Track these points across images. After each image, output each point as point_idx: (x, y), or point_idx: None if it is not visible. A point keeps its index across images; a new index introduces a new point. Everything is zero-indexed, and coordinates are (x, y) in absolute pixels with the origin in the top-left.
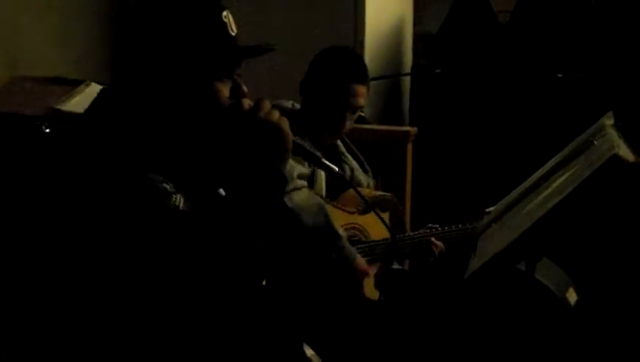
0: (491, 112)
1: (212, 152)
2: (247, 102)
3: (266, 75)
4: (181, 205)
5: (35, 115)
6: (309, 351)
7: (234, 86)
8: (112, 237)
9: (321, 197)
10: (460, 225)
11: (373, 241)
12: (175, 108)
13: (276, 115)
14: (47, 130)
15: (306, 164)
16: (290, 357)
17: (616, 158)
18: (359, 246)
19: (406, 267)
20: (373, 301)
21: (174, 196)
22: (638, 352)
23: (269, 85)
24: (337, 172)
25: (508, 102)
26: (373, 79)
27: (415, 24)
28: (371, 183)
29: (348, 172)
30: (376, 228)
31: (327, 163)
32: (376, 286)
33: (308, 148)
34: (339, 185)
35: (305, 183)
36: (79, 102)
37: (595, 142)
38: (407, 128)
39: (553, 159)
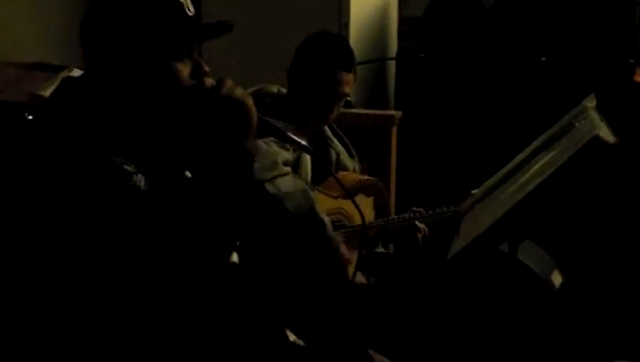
0: (476, 96)
1: (176, 133)
2: (209, 81)
3: (251, 57)
4: (142, 185)
5: (17, 101)
6: (292, 336)
7: (195, 65)
8: (74, 219)
9: (306, 182)
10: (444, 208)
11: (353, 227)
12: (135, 89)
13: (239, 91)
14: (30, 117)
15: (291, 150)
16: (273, 342)
17: (597, 140)
18: (343, 231)
19: (390, 251)
20: (354, 283)
21: (135, 176)
22: (623, 333)
23: (254, 68)
24: (319, 156)
25: (492, 85)
26: (358, 63)
27: (400, 7)
28: (357, 167)
29: (334, 156)
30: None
31: (293, 136)
32: (357, 269)
33: (273, 123)
34: (324, 171)
35: (289, 169)
36: None
37: (577, 124)
38: (392, 112)
39: (536, 141)
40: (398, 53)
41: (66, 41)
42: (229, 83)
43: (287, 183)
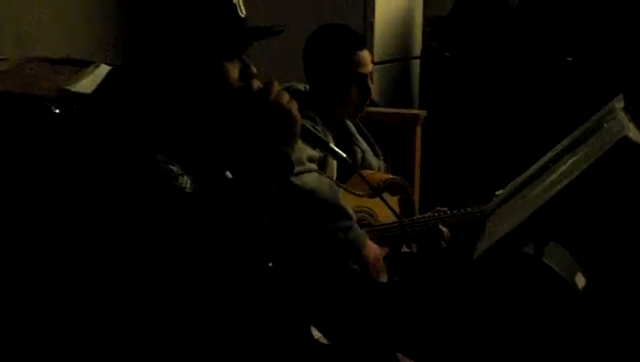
0: (501, 95)
1: (220, 134)
2: (256, 84)
3: (278, 58)
4: (188, 187)
5: (44, 95)
6: (316, 334)
7: (243, 67)
8: (119, 219)
9: (332, 180)
10: (468, 209)
11: (382, 225)
12: (184, 88)
13: (286, 97)
14: (57, 111)
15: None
16: (298, 339)
17: (626, 141)
18: (369, 230)
19: (414, 250)
20: (382, 283)
21: (181, 178)
22: None
23: (281, 69)
24: (344, 158)
25: (517, 85)
26: (384, 62)
27: (425, 7)
28: (382, 166)
29: (359, 154)
30: (385, 211)
31: (335, 148)
32: (389, 270)
33: (316, 133)
34: (349, 169)
35: (315, 166)
36: (88, 83)
37: (605, 124)
38: (417, 111)
39: (563, 142)
40: (422, 52)
41: (92, 37)
42: (276, 87)
43: (312, 179)
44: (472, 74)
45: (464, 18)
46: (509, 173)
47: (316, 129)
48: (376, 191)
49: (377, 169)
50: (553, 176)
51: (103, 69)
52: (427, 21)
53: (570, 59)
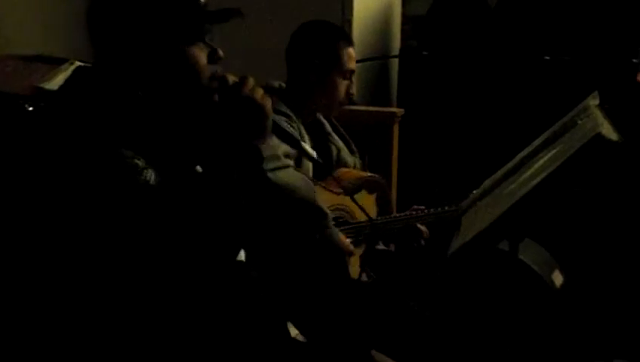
0: (479, 94)
1: (189, 127)
2: (231, 78)
3: (252, 53)
4: (152, 180)
5: (18, 93)
6: (293, 331)
7: (210, 51)
8: (81, 211)
9: (308, 177)
10: (445, 207)
11: (359, 223)
12: (149, 79)
13: (260, 92)
14: (30, 109)
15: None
16: (274, 336)
17: (600, 137)
18: (345, 227)
19: (391, 248)
20: (357, 281)
21: (145, 171)
22: (623, 333)
23: (257, 64)
24: (315, 158)
25: (495, 84)
26: (362, 61)
27: (404, 5)
28: (358, 164)
29: (334, 152)
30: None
31: (307, 148)
32: (362, 266)
33: (289, 130)
34: (326, 169)
35: (291, 162)
36: (63, 80)
37: (579, 121)
38: (394, 109)
39: (538, 139)
40: (401, 50)
41: (70, 33)
42: (250, 83)
43: (288, 175)
44: (450, 73)
45: (443, 17)
46: (485, 172)
47: (291, 126)
48: (347, 191)
49: (353, 166)
50: (528, 173)
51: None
52: (406, 19)
53: (547, 57)
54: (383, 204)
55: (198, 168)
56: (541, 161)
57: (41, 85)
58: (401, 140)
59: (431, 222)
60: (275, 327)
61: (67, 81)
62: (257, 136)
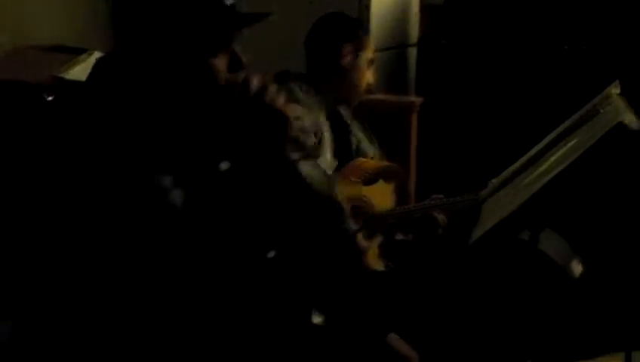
0: (497, 83)
1: (211, 127)
2: (254, 84)
3: (269, 41)
4: (179, 203)
5: (37, 83)
6: (317, 319)
7: (232, 57)
8: (107, 217)
9: (326, 168)
10: (464, 196)
11: (378, 213)
12: (169, 82)
13: (281, 100)
14: (50, 98)
15: (312, 134)
16: (299, 324)
17: (622, 126)
18: (364, 218)
19: (409, 238)
20: (378, 271)
21: (171, 192)
22: None
23: (274, 53)
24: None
25: (514, 73)
26: (380, 50)
27: None
28: (377, 154)
29: (354, 143)
30: (380, 198)
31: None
32: (381, 257)
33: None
34: (344, 155)
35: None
36: (82, 70)
37: (601, 110)
38: (413, 98)
39: (559, 128)
40: (419, 39)
41: (89, 25)
42: (272, 90)
43: (307, 167)
44: (468, 62)
45: (461, 5)
46: (504, 161)
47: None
48: (364, 181)
49: (372, 157)
50: (549, 162)
51: (97, 57)
52: (424, 9)
53: (566, 47)
54: (401, 193)
55: (223, 165)
56: (562, 151)
57: (61, 75)
58: (420, 129)
59: (450, 210)
60: (300, 315)
61: (92, 73)
62: (279, 143)
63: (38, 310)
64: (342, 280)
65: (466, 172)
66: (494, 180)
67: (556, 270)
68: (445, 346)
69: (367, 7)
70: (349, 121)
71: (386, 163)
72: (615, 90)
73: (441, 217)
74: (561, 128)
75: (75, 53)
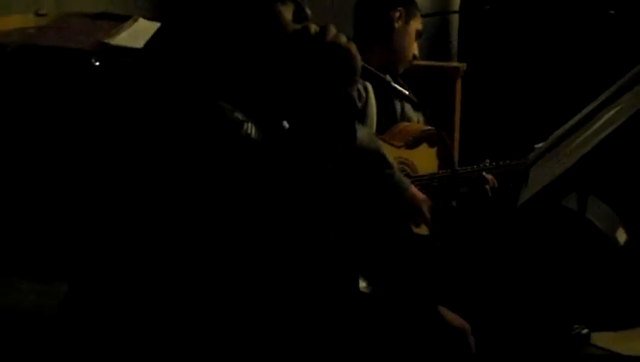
0: (541, 49)
1: (278, 80)
2: (313, 27)
3: (319, 6)
4: (253, 133)
5: (84, 49)
6: (361, 283)
7: (297, 9)
8: (185, 167)
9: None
10: (508, 161)
11: (423, 176)
12: (237, 33)
13: (344, 38)
14: (97, 64)
15: (357, 98)
16: (346, 288)
17: None
18: (410, 180)
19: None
20: (423, 235)
21: (246, 124)
22: None
23: (322, 17)
24: (408, 95)
25: (558, 38)
26: (423, 16)
27: None
28: (421, 119)
29: (399, 108)
30: (424, 162)
31: (397, 86)
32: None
33: (375, 71)
34: (389, 119)
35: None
36: (127, 36)
37: None
38: (457, 64)
39: (604, 93)
40: (461, 5)
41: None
42: (333, 29)
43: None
44: (511, 27)
45: None
46: (549, 126)
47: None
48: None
49: (417, 122)
50: (595, 127)
51: (142, 23)
52: None
53: (612, 12)
54: (444, 158)
55: (285, 124)
56: (608, 115)
57: (106, 41)
58: (464, 95)
59: (497, 174)
60: (347, 279)
61: (155, 35)
62: (348, 81)
63: (95, 271)
64: (388, 241)
65: (510, 137)
66: (540, 145)
67: (602, 238)
68: (493, 314)
69: None
70: (393, 86)
71: (429, 127)
72: None
73: (490, 177)
74: (607, 93)
75: (120, 20)
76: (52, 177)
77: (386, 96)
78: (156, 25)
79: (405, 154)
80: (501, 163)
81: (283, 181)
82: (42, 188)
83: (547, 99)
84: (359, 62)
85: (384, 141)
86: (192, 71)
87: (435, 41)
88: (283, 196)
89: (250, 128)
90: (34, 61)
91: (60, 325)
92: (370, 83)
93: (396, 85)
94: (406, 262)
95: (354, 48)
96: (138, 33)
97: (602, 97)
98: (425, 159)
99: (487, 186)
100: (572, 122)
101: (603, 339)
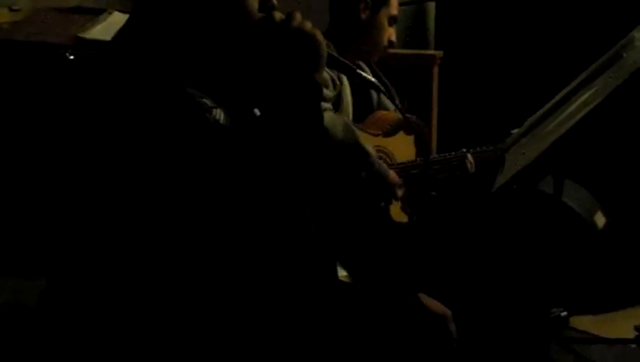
0: (517, 34)
1: (245, 68)
2: (278, 15)
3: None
4: (221, 119)
5: (58, 43)
6: (341, 273)
7: None
8: (155, 153)
9: (347, 120)
10: (485, 147)
11: (401, 163)
12: (205, 22)
13: (309, 25)
14: (72, 57)
15: (331, 86)
16: (324, 278)
17: None
18: (391, 167)
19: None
20: (401, 223)
21: (214, 110)
22: None
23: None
24: (373, 82)
25: (535, 23)
26: (401, 4)
27: None
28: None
29: (375, 96)
30: (401, 150)
31: (363, 73)
32: (405, 209)
33: (342, 59)
34: (365, 109)
35: (329, 105)
36: (102, 30)
37: (624, 54)
38: (434, 52)
39: (581, 74)
40: None
41: None
42: (298, 16)
43: (328, 118)
44: (488, 13)
45: None
46: (525, 113)
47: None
48: (384, 132)
49: (394, 110)
50: (571, 109)
51: (116, 16)
52: None
53: None
54: (421, 146)
55: (256, 111)
56: (584, 97)
57: (81, 35)
58: (441, 82)
59: (476, 160)
60: (325, 268)
61: (124, 27)
62: (313, 67)
63: (73, 268)
64: (368, 230)
65: (487, 124)
66: (514, 131)
67: (580, 221)
68: (473, 300)
69: None
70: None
71: (406, 115)
72: (638, 33)
73: (471, 160)
74: (583, 75)
75: (95, 13)
76: (25, 170)
77: (361, 85)
78: None
79: (382, 142)
80: (478, 149)
81: (253, 166)
82: (16, 182)
83: (524, 85)
84: (324, 48)
85: (361, 130)
86: (161, 59)
87: (412, 29)
88: (254, 181)
89: (219, 114)
90: (9, 56)
91: (38, 321)
92: (338, 70)
93: (361, 72)
94: (386, 250)
95: (319, 35)
96: (113, 26)
97: (576, 81)
98: (402, 147)
99: (469, 165)
100: (547, 106)
101: (583, 322)
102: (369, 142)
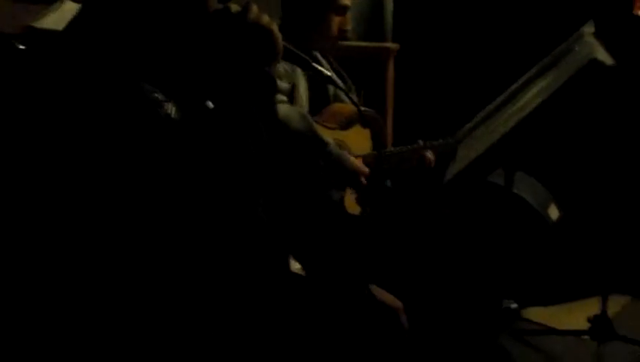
0: (474, 28)
1: (200, 59)
2: (234, 7)
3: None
4: (173, 113)
5: (9, 33)
6: (295, 266)
7: None
8: (106, 147)
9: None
10: (440, 140)
11: (358, 156)
12: (160, 13)
13: (265, 18)
14: (22, 47)
15: (285, 79)
16: (277, 271)
17: (595, 62)
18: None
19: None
20: (355, 215)
21: (166, 105)
22: (619, 267)
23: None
24: (328, 76)
25: (490, 16)
26: None
27: None
28: (354, 100)
29: (331, 90)
30: (357, 143)
31: (317, 66)
32: (359, 201)
33: (297, 52)
34: (321, 101)
35: (284, 98)
36: (54, 19)
37: (575, 48)
38: (389, 44)
39: (532, 69)
40: None
41: None
42: (255, 9)
43: (283, 110)
44: (445, 6)
45: None
46: (481, 105)
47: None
48: (341, 125)
49: (349, 103)
50: (522, 101)
51: (68, 5)
52: None
53: None
54: (377, 139)
55: (209, 104)
56: (536, 89)
57: (32, 24)
58: (397, 75)
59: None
60: (277, 261)
61: (76, 17)
62: (268, 60)
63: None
64: (320, 221)
65: (442, 117)
66: (470, 123)
67: (534, 214)
68: (425, 291)
69: None
70: (325, 69)
71: (363, 108)
72: (589, 29)
73: (429, 155)
74: (535, 68)
75: (47, 3)
76: None
77: (317, 79)
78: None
79: (339, 135)
80: (433, 142)
81: (204, 160)
82: None
83: (479, 79)
84: (280, 41)
85: (317, 123)
86: (113, 51)
87: (369, 22)
88: (205, 174)
89: (171, 108)
90: None
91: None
92: (293, 63)
93: (317, 65)
94: (338, 242)
95: (275, 28)
96: (65, 15)
97: (531, 72)
98: (358, 140)
99: (429, 157)
100: (499, 99)
101: (538, 314)
102: (326, 135)
